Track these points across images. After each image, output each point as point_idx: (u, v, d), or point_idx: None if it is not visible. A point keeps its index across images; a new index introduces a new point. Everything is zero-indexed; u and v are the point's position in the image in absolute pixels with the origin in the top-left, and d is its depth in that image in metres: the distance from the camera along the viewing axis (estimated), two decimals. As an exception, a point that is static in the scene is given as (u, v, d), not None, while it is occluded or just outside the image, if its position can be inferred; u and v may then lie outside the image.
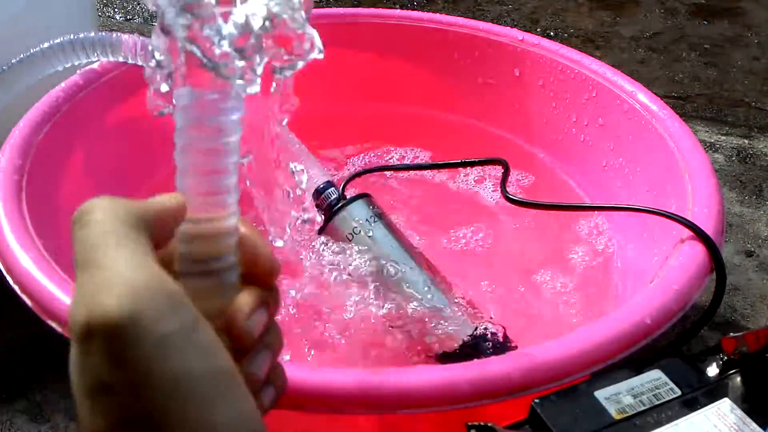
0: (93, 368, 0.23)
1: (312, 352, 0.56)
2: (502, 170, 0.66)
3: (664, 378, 0.39)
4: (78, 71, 0.63)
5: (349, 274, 0.59)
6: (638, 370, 0.39)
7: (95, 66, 0.64)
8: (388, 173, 0.75)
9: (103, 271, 0.23)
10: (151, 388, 0.23)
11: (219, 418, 0.24)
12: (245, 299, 0.29)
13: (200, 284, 0.28)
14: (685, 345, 0.45)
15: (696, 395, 0.38)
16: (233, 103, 0.28)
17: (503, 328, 0.56)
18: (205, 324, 0.25)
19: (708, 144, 1.05)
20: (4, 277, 0.45)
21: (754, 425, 0.36)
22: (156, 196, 0.29)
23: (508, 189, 0.63)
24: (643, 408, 0.37)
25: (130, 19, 1.41)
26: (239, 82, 0.28)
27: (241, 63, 0.28)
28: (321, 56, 0.32)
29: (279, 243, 0.43)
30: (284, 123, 0.32)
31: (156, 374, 0.23)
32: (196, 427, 0.23)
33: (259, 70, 0.29)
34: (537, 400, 0.37)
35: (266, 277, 0.30)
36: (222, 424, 0.24)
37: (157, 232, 0.28)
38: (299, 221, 0.57)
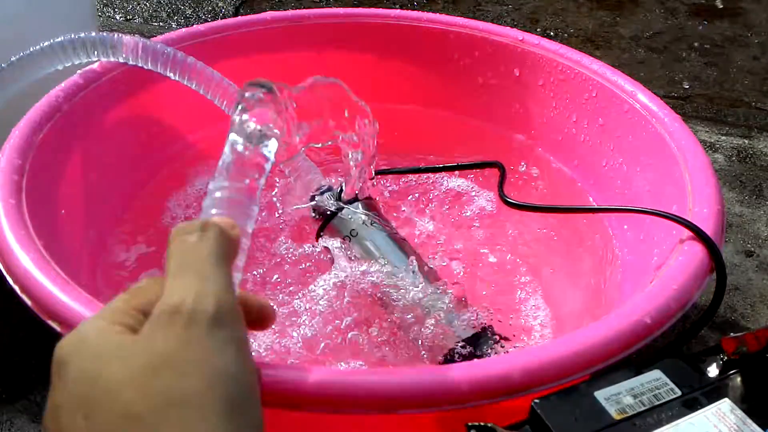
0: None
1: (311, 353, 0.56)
2: (499, 173, 0.66)
3: (664, 378, 0.39)
4: (78, 71, 0.63)
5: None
6: (638, 370, 0.39)
7: (95, 66, 0.63)
8: (385, 175, 0.75)
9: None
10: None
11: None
12: None
13: None
14: (685, 345, 0.45)
15: (696, 395, 0.38)
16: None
17: (502, 331, 0.56)
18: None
19: (708, 144, 1.05)
20: (4, 277, 0.45)
21: (754, 425, 0.36)
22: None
23: (505, 191, 0.63)
24: (643, 408, 0.37)
25: (130, 19, 1.41)
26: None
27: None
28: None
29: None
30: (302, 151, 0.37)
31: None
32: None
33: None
34: (537, 400, 0.37)
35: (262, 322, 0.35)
36: None
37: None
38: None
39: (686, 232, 0.48)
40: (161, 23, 1.41)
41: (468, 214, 0.72)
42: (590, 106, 0.68)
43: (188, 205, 0.70)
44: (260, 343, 0.55)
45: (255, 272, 0.64)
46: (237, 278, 0.33)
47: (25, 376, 0.69)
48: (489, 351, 0.54)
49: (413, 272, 0.57)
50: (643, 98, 0.62)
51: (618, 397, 0.37)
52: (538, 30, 1.39)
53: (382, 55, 0.78)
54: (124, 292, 0.31)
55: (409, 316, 0.56)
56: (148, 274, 0.63)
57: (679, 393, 0.38)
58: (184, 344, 0.27)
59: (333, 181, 0.63)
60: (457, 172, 0.75)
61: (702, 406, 0.37)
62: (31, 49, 0.54)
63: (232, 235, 0.32)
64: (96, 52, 0.56)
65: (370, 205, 0.60)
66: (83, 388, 0.26)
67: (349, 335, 0.58)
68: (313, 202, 0.60)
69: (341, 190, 0.63)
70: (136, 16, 1.42)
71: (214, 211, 0.34)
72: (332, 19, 0.76)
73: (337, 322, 0.59)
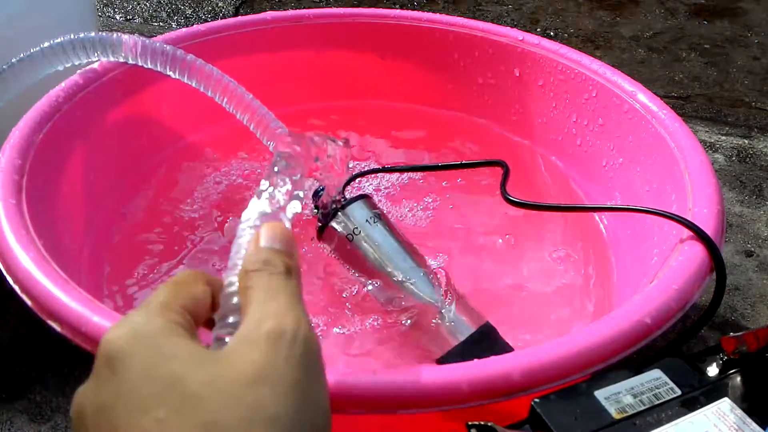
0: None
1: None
2: (502, 172, 0.66)
3: (664, 378, 0.39)
4: (78, 71, 0.63)
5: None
6: (638, 370, 0.39)
7: (95, 66, 0.64)
8: (387, 174, 0.75)
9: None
10: None
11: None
12: None
13: None
14: (685, 345, 0.45)
15: (696, 395, 0.38)
16: None
17: (501, 330, 0.56)
18: None
19: (708, 144, 1.05)
20: (4, 277, 0.45)
21: (754, 425, 0.36)
22: None
23: (507, 190, 0.63)
24: (643, 408, 0.37)
25: (130, 19, 1.41)
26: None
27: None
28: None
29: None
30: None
31: None
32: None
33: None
34: (537, 400, 0.37)
35: None
36: None
37: None
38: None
39: (686, 232, 0.48)
40: (161, 23, 1.41)
41: (467, 212, 0.72)
42: (590, 106, 0.68)
43: (189, 204, 0.71)
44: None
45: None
46: None
47: (25, 376, 0.69)
48: (489, 351, 0.54)
49: (413, 270, 0.57)
50: (643, 98, 0.62)
51: (618, 397, 0.38)
52: (538, 30, 1.39)
53: (382, 55, 0.78)
54: (167, 284, 0.31)
55: (409, 316, 0.56)
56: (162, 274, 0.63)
57: (679, 392, 0.38)
58: (288, 365, 0.27)
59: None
60: (460, 170, 0.75)
61: (702, 405, 0.37)
62: (31, 50, 0.54)
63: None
64: (96, 52, 0.56)
65: (371, 203, 0.60)
66: (155, 390, 0.26)
67: (349, 335, 0.58)
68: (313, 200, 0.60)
69: (343, 188, 0.63)
70: (136, 16, 1.42)
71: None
72: (332, 19, 0.76)
73: (334, 321, 0.59)
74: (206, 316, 0.32)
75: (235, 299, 0.31)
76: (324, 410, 0.28)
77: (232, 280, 0.32)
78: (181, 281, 0.32)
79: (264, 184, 0.38)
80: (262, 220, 0.35)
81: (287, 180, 0.38)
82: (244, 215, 0.35)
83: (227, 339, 0.30)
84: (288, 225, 0.35)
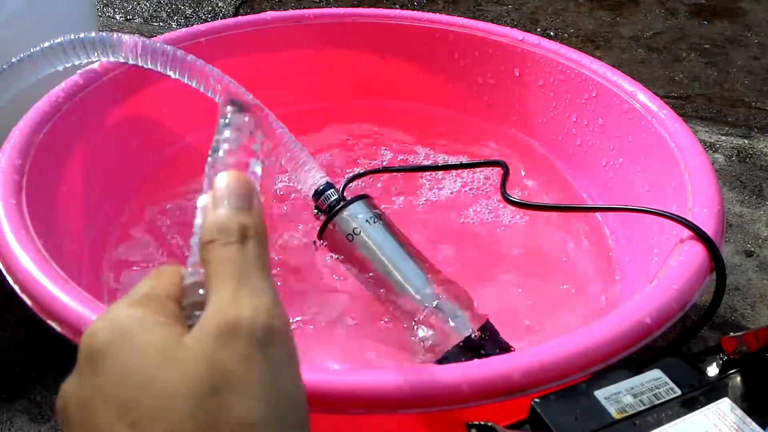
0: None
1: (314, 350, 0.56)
2: (502, 172, 0.66)
3: (664, 378, 0.39)
4: (78, 71, 0.63)
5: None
6: (638, 370, 0.39)
7: (95, 66, 0.64)
8: (387, 174, 0.75)
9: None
10: None
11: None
12: None
13: None
14: (685, 345, 0.45)
15: (696, 395, 0.38)
16: None
17: (501, 330, 0.56)
18: None
19: (708, 144, 1.05)
20: (4, 277, 0.45)
21: (754, 425, 0.36)
22: None
23: (507, 190, 0.63)
24: (643, 407, 0.37)
25: (130, 19, 1.41)
26: None
27: None
28: None
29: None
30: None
31: None
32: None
33: None
34: (537, 400, 0.37)
35: None
36: None
37: None
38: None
39: (686, 232, 0.48)
40: (161, 23, 1.41)
41: (468, 212, 0.72)
42: (590, 106, 0.68)
43: (189, 204, 0.70)
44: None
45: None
46: None
47: (25, 376, 0.69)
48: (488, 351, 0.54)
49: (413, 270, 0.57)
50: (643, 98, 0.62)
51: (618, 397, 0.38)
52: (538, 30, 1.39)
53: (382, 55, 0.78)
54: (150, 275, 0.30)
55: (408, 315, 0.56)
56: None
57: (679, 392, 0.38)
58: (247, 365, 0.25)
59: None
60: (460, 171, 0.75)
61: (702, 405, 0.37)
62: (32, 50, 0.54)
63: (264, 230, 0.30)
64: (96, 52, 0.56)
65: (371, 203, 0.60)
66: (129, 391, 0.25)
67: (348, 333, 0.58)
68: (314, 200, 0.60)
69: (343, 188, 0.63)
70: (136, 16, 1.42)
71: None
72: (332, 18, 0.76)
73: (334, 321, 0.59)
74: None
75: (193, 279, 0.29)
76: (300, 403, 0.27)
77: (192, 260, 0.30)
78: (164, 272, 0.30)
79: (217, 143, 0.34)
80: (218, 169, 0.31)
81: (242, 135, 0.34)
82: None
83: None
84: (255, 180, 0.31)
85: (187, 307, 0.29)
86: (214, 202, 0.29)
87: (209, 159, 0.33)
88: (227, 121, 0.35)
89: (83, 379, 0.26)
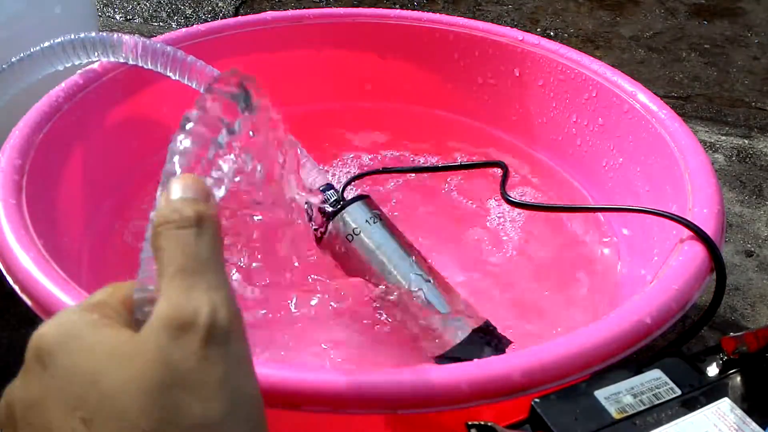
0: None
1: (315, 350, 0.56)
2: (502, 173, 0.66)
3: (664, 378, 0.39)
4: (78, 71, 0.63)
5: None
6: (638, 370, 0.39)
7: (95, 66, 0.64)
8: (387, 175, 0.75)
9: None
10: None
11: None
12: None
13: None
14: (685, 345, 0.45)
15: (696, 395, 0.38)
16: None
17: (501, 330, 0.56)
18: None
19: (708, 144, 1.05)
20: (4, 277, 0.45)
21: (754, 425, 0.36)
22: None
23: (507, 190, 0.63)
24: (643, 407, 0.37)
25: (130, 19, 1.41)
26: None
27: None
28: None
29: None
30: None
31: None
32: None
33: None
34: (537, 400, 0.37)
35: None
36: None
37: None
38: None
39: (686, 232, 0.48)
40: (161, 23, 1.41)
41: (468, 213, 0.72)
42: (590, 106, 0.68)
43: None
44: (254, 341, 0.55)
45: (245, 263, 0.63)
46: None
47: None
48: (488, 351, 0.54)
49: (413, 270, 0.57)
50: (643, 98, 0.62)
51: (618, 397, 0.38)
52: (538, 30, 1.39)
53: (382, 55, 0.78)
54: (104, 288, 0.29)
55: (409, 315, 0.56)
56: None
57: (679, 392, 0.38)
58: (203, 363, 0.24)
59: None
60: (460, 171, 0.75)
61: (702, 405, 0.37)
62: (31, 50, 0.54)
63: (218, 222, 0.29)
64: (96, 52, 0.56)
65: (371, 204, 0.60)
66: (78, 389, 0.25)
67: (348, 333, 0.58)
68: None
69: (343, 188, 0.63)
70: (136, 16, 1.42)
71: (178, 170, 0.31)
72: (332, 18, 0.76)
73: (335, 321, 0.59)
74: None
75: (142, 295, 0.29)
76: (257, 401, 0.26)
77: (141, 276, 0.29)
78: (119, 286, 0.30)
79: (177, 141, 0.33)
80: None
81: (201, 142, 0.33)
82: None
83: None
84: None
85: (136, 302, 0.28)
86: (168, 192, 0.29)
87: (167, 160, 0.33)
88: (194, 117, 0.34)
89: (32, 380, 0.26)
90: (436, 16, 0.76)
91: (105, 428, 0.24)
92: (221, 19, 1.34)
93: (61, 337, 0.26)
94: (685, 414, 0.37)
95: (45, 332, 0.26)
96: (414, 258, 0.58)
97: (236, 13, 1.44)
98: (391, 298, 0.57)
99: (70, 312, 0.27)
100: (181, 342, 0.25)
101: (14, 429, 0.26)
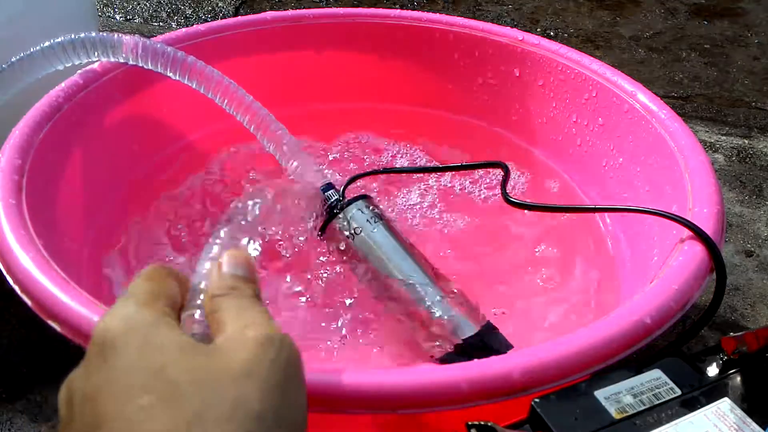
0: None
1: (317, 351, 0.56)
2: (502, 173, 0.66)
3: (664, 378, 0.39)
4: (78, 71, 0.63)
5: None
6: (638, 370, 0.39)
7: (95, 66, 0.63)
8: (387, 175, 0.75)
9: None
10: None
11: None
12: None
13: None
14: (685, 345, 0.45)
15: (696, 395, 0.38)
16: None
17: (501, 330, 0.56)
18: None
19: (708, 144, 1.05)
20: (4, 277, 0.45)
21: (754, 425, 0.36)
22: None
23: (507, 190, 0.63)
24: (643, 408, 0.37)
25: (130, 19, 1.41)
26: None
27: None
28: None
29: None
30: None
31: None
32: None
33: None
34: (537, 400, 0.37)
35: None
36: None
37: None
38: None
39: (686, 232, 0.48)
40: (161, 23, 1.41)
41: (468, 212, 0.72)
42: (590, 106, 0.68)
43: (189, 204, 0.71)
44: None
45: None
46: None
47: (25, 376, 0.69)
48: (489, 351, 0.54)
49: (413, 270, 0.57)
50: (643, 98, 0.62)
51: (618, 397, 0.38)
52: (538, 30, 1.39)
53: (382, 55, 0.78)
54: (146, 276, 0.32)
55: (410, 315, 0.56)
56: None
57: (679, 392, 0.38)
58: (270, 366, 0.28)
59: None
60: (456, 172, 0.75)
61: (702, 405, 0.37)
62: (31, 50, 0.54)
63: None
64: (96, 52, 0.56)
65: (371, 203, 0.60)
66: (141, 377, 0.26)
67: (348, 333, 0.58)
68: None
69: (344, 188, 0.63)
70: (136, 16, 1.42)
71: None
72: (332, 19, 0.76)
73: (335, 321, 0.59)
74: (179, 312, 0.33)
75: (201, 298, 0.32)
76: (303, 411, 0.29)
77: (198, 286, 0.33)
78: (156, 275, 0.32)
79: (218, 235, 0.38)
80: (222, 249, 0.35)
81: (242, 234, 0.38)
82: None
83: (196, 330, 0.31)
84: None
85: (185, 325, 0.32)
86: (221, 266, 0.33)
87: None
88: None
89: (92, 371, 0.27)
90: (436, 16, 0.76)
91: (165, 414, 0.25)
92: (221, 19, 1.34)
93: (125, 333, 0.28)
94: (685, 414, 0.37)
95: (108, 327, 0.28)
96: (415, 257, 0.58)
97: (236, 13, 1.44)
98: (392, 297, 0.57)
99: (129, 306, 0.30)
100: (261, 349, 0.28)
101: (71, 417, 0.27)
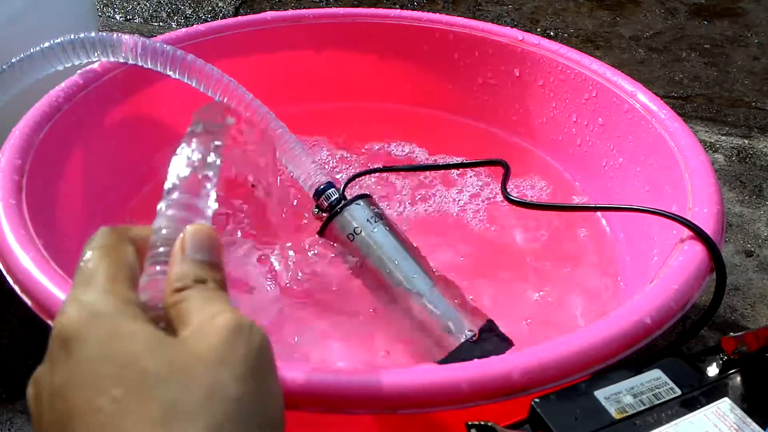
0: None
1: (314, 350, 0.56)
2: (503, 171, 0.66)
3: (664, 378, 0.39)
4: (78, 71, 0.63)
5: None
6: (638, 370, 0.39)
7: (95, 66, 0.64)
8: (388, 174, 0.75)
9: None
10: None
11: None
12: None
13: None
14: (685, 345, 0.45)
15: (696, 395, 0.38)
16: None
17: (502, 328, 0.56)
18: None
19: (708, 144, 1.05)
20: (4, 277, 0.45)
21: (754, 425, 0.36)
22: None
23: (508, 189, 0.63)
24: (643, 408, 0.37)
25: (130, 19, 1.41)
26: None
27: None
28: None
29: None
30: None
31: None
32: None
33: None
34: (537, 400, 0.37)
35: None
36: None
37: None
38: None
39: (686, 232, 0.48)
40: (161, 23, 1.41)
41: (468, 212, 0.72)
42: (590, 106, 0.68)
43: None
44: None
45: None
46: None
47: (25, 376, 0.69)
48: (489, 351, 0.54)
49: (413, 270, 0.57)
50: (643, 98, 0.62)
51: (618, 397, 0.38)
52: (538, 30, 1.39)
53: (382, 55, 0.78)
54: (100, 251, 0.32)
55: (410, 315, 0.56)
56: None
57: (679, 392, 0.38)
58: (243, 351, 0.27)
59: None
60: (457, 171, 0.75)
61: (702, 405, 0.37)
62: (31, 50, 0.54)
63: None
64: (96, 52, 0.56)
65: (371, 203, 0.60)
66: (111, 368, 0.25)
67: (349, 334, 0.58)
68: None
69: (344, 187, 0.63)
70: (136, 16, 1.42)
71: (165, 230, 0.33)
72: (332, 18, 0.76)
73: (335, 321, 0.59)
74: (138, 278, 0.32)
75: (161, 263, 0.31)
76: (280, 404, 0.29)
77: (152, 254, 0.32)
78: (110, 246, 0.31)
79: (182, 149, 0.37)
80: (180, 217, 0.33)
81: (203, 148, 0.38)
82: (166, 186, 0.35)
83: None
84: (209, 217, 0.34)
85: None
86: (184, 247, 0.31)
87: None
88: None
89: (56, 366, 0.27)
90: (436, 16, 0.76)
91: (139, 405, 0.25)
92: (221, 19, 1.34)
93: (88, 324, 0.27)
94: (685, 414, 0.37)
95: (69, 319, 0.27)
96: (415, 257, 0.58)
97: (236, 13, 1.44)
98: (392, 297, 0.57)
99: (89, 294, 0.28)
100: (232, 335, 0.27)
101: (40, 412, 0.27)
